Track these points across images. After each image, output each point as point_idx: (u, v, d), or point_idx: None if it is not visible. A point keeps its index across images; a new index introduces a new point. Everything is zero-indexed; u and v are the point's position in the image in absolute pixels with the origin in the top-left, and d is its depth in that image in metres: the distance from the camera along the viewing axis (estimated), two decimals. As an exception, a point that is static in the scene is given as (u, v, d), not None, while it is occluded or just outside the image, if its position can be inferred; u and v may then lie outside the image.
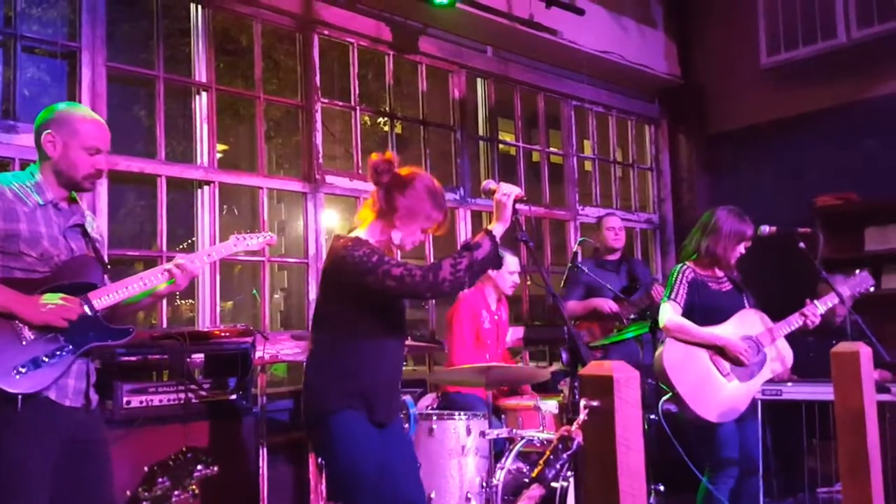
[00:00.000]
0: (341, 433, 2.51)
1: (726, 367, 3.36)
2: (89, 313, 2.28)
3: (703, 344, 3.35)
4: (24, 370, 2.13)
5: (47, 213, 2.33)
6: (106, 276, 2.43)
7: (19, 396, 2.13)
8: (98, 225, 2.56)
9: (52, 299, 2.21)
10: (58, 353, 2.21)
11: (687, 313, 3.41)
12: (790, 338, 3.53)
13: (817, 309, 3.46)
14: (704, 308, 3.43)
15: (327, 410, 2.54)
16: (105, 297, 2.32)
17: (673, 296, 3.43)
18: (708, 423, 3.28)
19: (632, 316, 4.55)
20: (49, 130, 2.34)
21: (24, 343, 2.16)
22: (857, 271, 3.63)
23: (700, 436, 3.35)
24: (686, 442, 3.28)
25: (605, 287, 4.63)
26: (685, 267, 3.51)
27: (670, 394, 3.31)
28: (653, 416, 3.59)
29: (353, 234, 2.66)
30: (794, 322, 3.46)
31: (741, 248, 3.49)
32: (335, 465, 2.58)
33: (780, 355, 3.45)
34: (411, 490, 2.65)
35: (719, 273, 3.56)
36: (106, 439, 2.42)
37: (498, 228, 2.49)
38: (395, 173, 2.60)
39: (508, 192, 2.49)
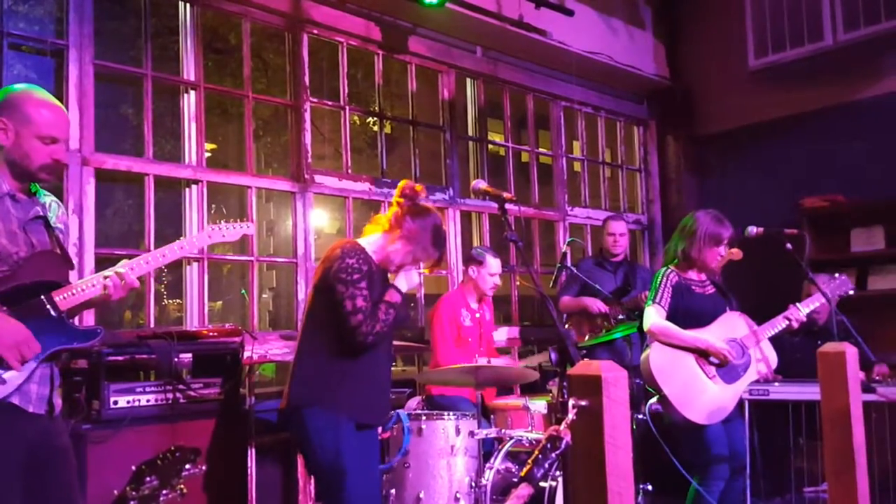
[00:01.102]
0: (316, 426, 2.59)
1: (712, 369, 3.38)
2: (53, 314, 2.15)
3: (687, 347, 3.36)
4: None
5: (4, 205, 2.16)
6: (70, 273, 2.28)
7: None
8: (63, 213, 2.40)
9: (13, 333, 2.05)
10: None
11: (671, 317, 3.43)
12: (778, 337, 3.56)
13: (800, 311, 3.49)
14: (688, 312, 3.44)
15: (305, 402, 2.62)
16: (69, 296, 2.18)
17: (657, 299, 3.45)
18: (695, 425, 3.30)
19: (620, 316, 4.57)
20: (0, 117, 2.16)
21: None
22: (837, 275, 3.66)
23: (688, 438, 3.37)
24: (674, 444, 3.29)
25: (596, 287, 4.65)
26: (669, 271, 3.53)
27: (657, 396, 3.33)
28: (640, 416, 3.61)
29: (359, 240, 2.81)
30: (779, 324, 3.50)
31: (720, 251, 3.50)
32: (312, 457, 2.65)
33: (764, 357, 3.48)
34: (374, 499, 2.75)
35: (702, 277, 3.58)
36: (69, 446, 2.31)
37: (402, 285, 2.75)
38: (416, 202, 2.82)
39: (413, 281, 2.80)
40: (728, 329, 3.45)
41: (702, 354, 3.37)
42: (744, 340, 3.43)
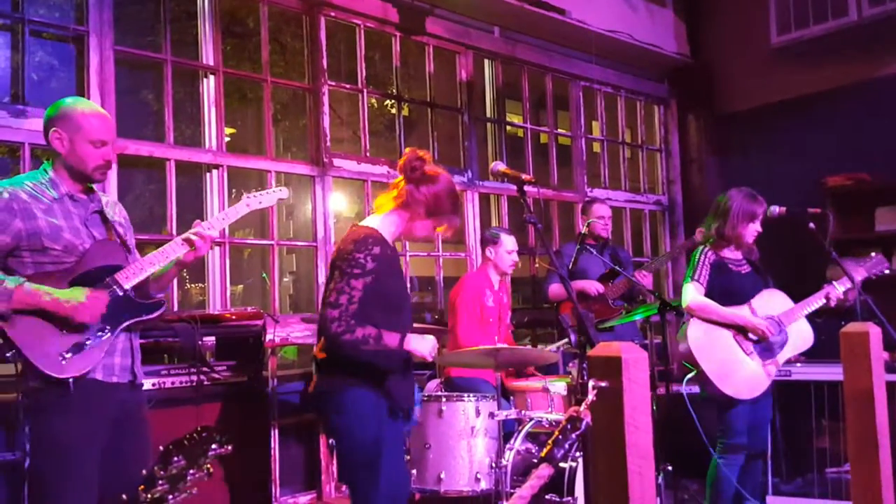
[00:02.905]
0: (358, 408, 2.56)
1: (749, 345, 3.43)
2: (120, 293, 2.39)
3: (726, 323, 3.41)
4: (68, 355, 2.26)
5: (64, 205, 2.42)
6: (129, 256, 2.53)
7: (70, 380, 2.25)
8: (121, 209, 2.67)
9: (77, 295, 2.29)
10: (98, 334, 2.33)
11: (707, 294, 3.48)
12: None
13: (837, 290, 3.53)
14: (724, 290, 3.48)
15: (346, 385, 2.58)
16: (132, 276, 2.42)
17: (696, 276, 3.50)
18: (731, 400, 3.35)
19: (622, 303, 4.56)
20: (55, 128, 2.42)
21: (63, 331, 2.29)
22: (873, 254, 3.66)
23: (719, 413, 3.44)
24: (701, 419, 3.36)
25: (590, 271, 4.64)
26: (706, 249, 3.58)
27: (694, 372, 3.38)
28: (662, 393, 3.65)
29: (372, 224, 2.68)
30: (816, 301, 3.52)
31: (754, 228, 3.53)
32: (350, 440, 2.59)
33: (801, 335, 3.52)
34: (405, 483, 2.74)
35: (738, 256, 3.61)
36: (147, 418, 2.53)
37: (410, 345, 2.60)
38: (424, 170, 2.68)
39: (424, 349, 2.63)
40: (766, 306, 3.50)
41: (740, 331, 3.41)
42: (781, 318, 3.48)
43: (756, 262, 3.64)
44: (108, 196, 2.65)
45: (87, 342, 2.31)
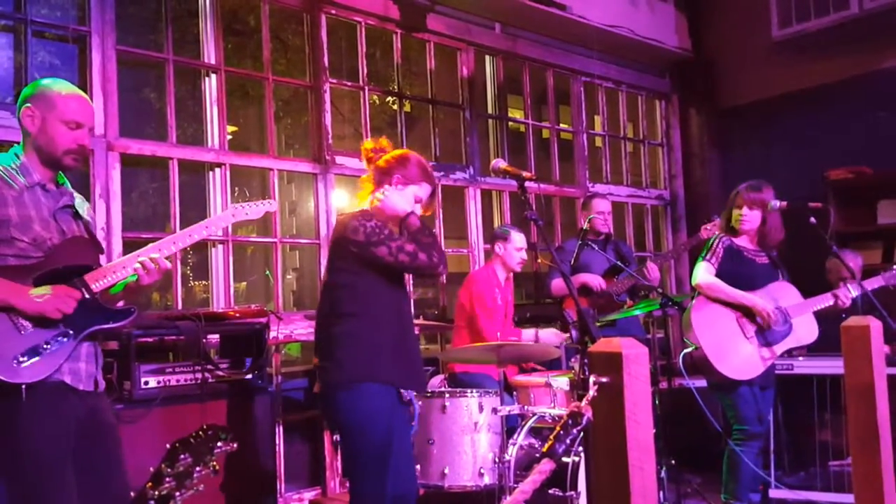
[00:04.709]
0: (368, 402, 2.59)
1: (751, 330, 3.50)
2: (87, 296, 2.23)
3: (732, 303, 3.46)
4: (24, 359, 2.09)
5: (35, 195, 2.25)
6: (101, 258, 2.38)
7: (23, 386, 2.09)
8: (88, 208, 2.51)
9: (44, 291, 2.15)
10: (59, 338, 2.17)
11: (718, 277, 3.56)
12: None
13: (849, 292, 3.60)
14: (736, 275, 3.56)
15: (347, 380, 2.61)
16: (102, 279, 2.27)
17: (709, 256, 3.61)
18: (729, 381, 3.41)
19: (625, 297, 4.57)
20: (28, 105, 2.28)
21: (22, 332, 2.12)
22: (895, 267, 3.75)
23: (727, 399, 3.51)
24: (715, 409, 3.44)
25: (593, 267, 4.64)
26: (722, 235, 3.68)
27: (692, 347, 3.45)
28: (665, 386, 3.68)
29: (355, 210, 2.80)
30: (826, 300, 3.60)
31: (737, 213, 3.63)
32: (350, 435, 2.63)
33: (806, 328, 3.57)
34: (409, 479, 2.73)
35: (754, 246, 3.69)
36: (115, 422, 2.41)
37: (405, 205, 2.73)
38: (385, 151, 2.84)
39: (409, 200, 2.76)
40: (775, 296, 3.57)
41: (746, 313, 3.47)
42: (788, 309, 3.53)
43: (774, 257, 3.73)
44: (78, 195, 2.48)
45: (47, 346, 2.13)
